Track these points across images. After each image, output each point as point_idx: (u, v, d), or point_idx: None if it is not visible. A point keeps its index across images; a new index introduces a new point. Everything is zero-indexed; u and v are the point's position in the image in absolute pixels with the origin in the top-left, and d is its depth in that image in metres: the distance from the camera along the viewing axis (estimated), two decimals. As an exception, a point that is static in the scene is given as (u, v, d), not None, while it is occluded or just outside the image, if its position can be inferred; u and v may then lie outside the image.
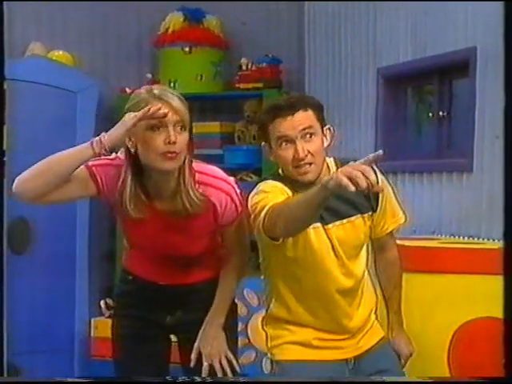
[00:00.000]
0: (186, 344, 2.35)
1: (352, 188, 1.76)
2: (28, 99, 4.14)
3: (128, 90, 4.60)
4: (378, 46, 3.93)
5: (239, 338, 3.84)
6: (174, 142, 2.10)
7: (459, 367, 2.80)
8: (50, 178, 2.15)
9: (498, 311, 2.63)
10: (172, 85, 4.57)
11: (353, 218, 2.25)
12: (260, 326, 3.92)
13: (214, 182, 2.24)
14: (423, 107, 3.95)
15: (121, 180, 2.17)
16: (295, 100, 2.21)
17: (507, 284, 1.75)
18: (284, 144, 2.17)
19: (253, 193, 2.20)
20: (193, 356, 2.32)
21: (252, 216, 2.14)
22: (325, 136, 2.24)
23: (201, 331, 2.33)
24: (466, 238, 3.25)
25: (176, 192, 2.18)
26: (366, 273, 2.34)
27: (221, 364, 2.34)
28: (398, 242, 3.03)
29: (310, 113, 2.18)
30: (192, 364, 2.32)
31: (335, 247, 2.22)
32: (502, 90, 3.01)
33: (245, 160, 4.44)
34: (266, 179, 2.26)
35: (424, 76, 3.76)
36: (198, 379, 2.27)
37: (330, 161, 2.28)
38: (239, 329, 3.83)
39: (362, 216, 2.26)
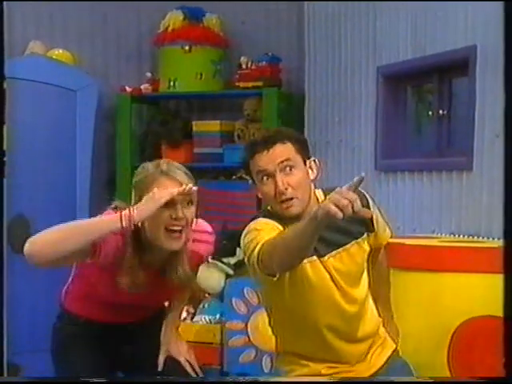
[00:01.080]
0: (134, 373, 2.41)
1: (340, 215, 1.76)
2: (28, 98, 4.14)
3: (128, 89, 4.61)
4: (377, 45, 3.93)
5: (239, 337, 3.87)
6: (181, 218, 2.14)
7: (459, 366, 2.80)
8: (70, 247, 2.10)
9: (497, 310, 2.64)
10: (172, 83, 4.57)
11: (348, 246, 2.21)
12: (260, 325, 3.94)
13: (201, 236, 2.33)
14: (423, 106, 3.95)
15: (120, 250, 2.18)
16: (273, 134, 2.20)
17: (507, 283, 1.74)
18: (265, 179, 2.14)
19: (244, 232, 2.14)
20: (161, 359, 2.38)
21: (246, 255, 2.10)
22: (310, 168, 2.22)
23: (162, 335, 2.40)
24: (465, 236, 3.25)
25: (170, 263, 2.24)
26: (367, 288, 2.30)
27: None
28: (398, 240, 3.04)
29: (288, 145, 2.16)
30: (160, 368, 2.37)
31: (334, 278, 2.18)
32: (502, 89, 3.01)
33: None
34: (256, 217, 2.19)
35: (424, 75, 3.76)
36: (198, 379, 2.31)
37: (319, 192, 2.25)
38: (239, 327, 3.87)
39: (356, 242, 2.23)
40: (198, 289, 4.11)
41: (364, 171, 4.30)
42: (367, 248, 2.27)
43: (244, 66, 4.56)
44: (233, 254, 4.28)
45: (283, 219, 2.15)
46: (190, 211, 2.17)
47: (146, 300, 2.32)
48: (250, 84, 4.51)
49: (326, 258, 2.18)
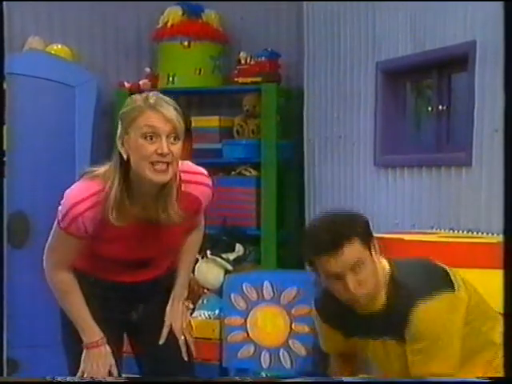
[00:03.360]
0: (142, 336, 2.42)
1: None
2: (26, 93, 4.14)
3: (127, 84, 4.60)
4: (377, 40, 3.92)
5: (238, 332, 3.88)
6: (167, 154, 2.10)
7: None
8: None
9: (496, 305, 2.64)
10: (171, 79, 4.57)
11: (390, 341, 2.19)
12: (259, 321, 3.94)
13: (194, 178, 2.29)
14: (422, 101, 3.94)
15: (105, 190, 2.16)
16: (338, 234, 2.07)
17: (507, 282, 1.74)
18: (333, 279, 2.09)
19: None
20: (164, 332, 2.38)
21: None
22: (374, 250, 2.15)
23: (168, 308, 2.39)
24: (464, 232, 3.25)
25: (159, 201, 2.18)
26: None
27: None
28: (397, 236, 3.04)
29: (356, 244, 2.08)
30: (162, 341, 2.38)
31: None
32: (502, 84, 3.01)
33: (244, 154, 4.44)
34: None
35: (423, 70, 3.76)
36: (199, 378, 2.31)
37: (383, 262, 2.20)
38: (238, 323, 3.87)
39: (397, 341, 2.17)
40: (197, 284, 4.12)
41: (363, 167, 4.32)
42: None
43: (243, 62, 4.55)
44: (232, 249, 4.28)
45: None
46: (177, 147, 2.13)
47: (148, 251, 2.27)
48: (249, 79, 4.50)
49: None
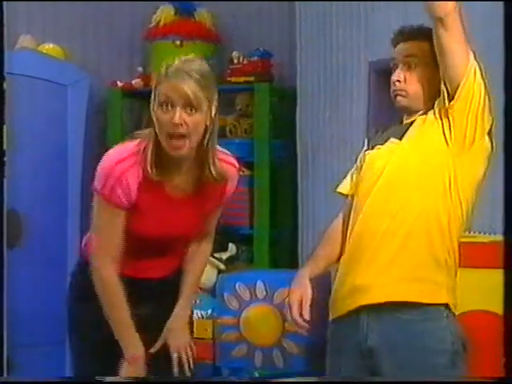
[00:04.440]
0: (143, 337, 2.32)
1: None
2: (18, 93, 4.12)
3: (119, 84, 4.59)
4: (369, 40, 3.93)
5: (231, 332, 3.87)
6: (179, 124, 2.07)
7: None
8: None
9: (490, 304, 2.65)
10: (163, 78, 4.57)
11: None
12: (252, 320, 3.94)
13: (225, 157, 2.28)
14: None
15: (143, 148, 2.14)
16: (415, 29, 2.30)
17: (507, 282, 1.74)
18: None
19: None
20: (158, 343, 2.31)
21: None
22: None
23: (169, 323, 2.33)
24: (469, 232, 3.25)
25: (191, 170, 2.17)
26: None
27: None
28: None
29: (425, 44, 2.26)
30: (153, 350, 2.30)
31: None
32: (495, 84, 3.02)
33: (236, 153, 4.40)
34: None
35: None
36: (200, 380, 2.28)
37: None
38: (231, 322, 3.87)
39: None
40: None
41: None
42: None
43: (236, 61, 4.56)
44: (225, 249, 4.28)
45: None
46: (194, 118, 2.08)
47: (172, 228, 2.23)
48: (242, 79, 4.50)
49: None
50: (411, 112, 2.26)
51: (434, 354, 2.15)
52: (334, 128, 4.18)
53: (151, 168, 2.13)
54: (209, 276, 4.12)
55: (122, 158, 2.16)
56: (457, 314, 2.64)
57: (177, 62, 2.14)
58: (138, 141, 2.20)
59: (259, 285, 3.83)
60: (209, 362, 3.93)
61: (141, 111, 4.83)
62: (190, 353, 2.34)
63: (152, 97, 2.16)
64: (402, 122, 2.30)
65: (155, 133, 2.15)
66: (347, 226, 2.29)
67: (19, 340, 3.91)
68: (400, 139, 2.24)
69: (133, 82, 4.63)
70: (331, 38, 4.20)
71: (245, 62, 4.53)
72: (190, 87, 2.08)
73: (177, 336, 2.32)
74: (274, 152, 4.44)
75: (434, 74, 2.20)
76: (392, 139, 2.27)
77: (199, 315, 4.04)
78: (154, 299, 2.34)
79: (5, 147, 2.41)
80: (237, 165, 2.32)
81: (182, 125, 2.08)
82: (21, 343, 3.92)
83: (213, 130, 2.17)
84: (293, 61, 4.51)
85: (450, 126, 2.17)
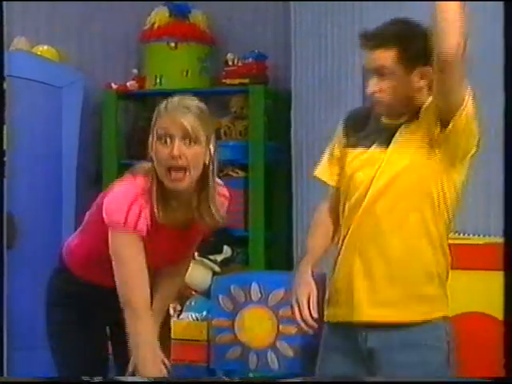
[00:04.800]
0: (120, 337, 2.28)
1: None
2: (12, 95, 4.11)
3: (114, 86, 4.59)
4: (364, 42, 3.93)
5: (226, 334, 3.87)
6: (179, 157, 2.08)
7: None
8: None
9: (487, 307, 2.66)
10: (158, 80, 4.56)
11: None
12: (246, 322, 3.94)
13: (219, 188, 2.28)
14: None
15: (149, 187, 2.15)
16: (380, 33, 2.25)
17: (507, 283, 1.74)
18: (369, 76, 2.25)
19: None
20: (130, 369, 2.24)
21: None
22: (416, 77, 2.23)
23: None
24: (452, 233, 3.26)
25: (201, 202, 2.17)
26: None
27: None
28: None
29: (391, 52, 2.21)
30: (128, 374, 2.24)
31: None
32: (491, 86, 3.02)
33: (231, 156, 4.43)
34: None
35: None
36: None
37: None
38: (226, 324, 3.87)
39: None
40: (185, 286, 4.11)
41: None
42: None
43: (230, 63, 4.56)
44: (220, 251, 4.28)
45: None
46: (193, 150, 2.09)
47: (163, 259, 2.24)
48: (237, 81, 4.50)
49: None
50: (392, 114, 2.24)
51: (430, 351, 2.17)
52: (330, 130, 4.17)
53: (158, 211, 2.13)
54: (204, 278, 4.12)
55: (137, 194, 2.15)
56: (452, 315, 2.66)
57: (176, 98, 2.19)
58: (141, 178, 2.18)
59: (254, 287, 3.83)
60: (203, 364, 3.93)
61: (135, 113, 4.83)
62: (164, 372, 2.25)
63: (150, 134, 2.17)
64: (378, 119, 2.27)
65: (155, 171, 2.14)
66: (337, 214, 2.31)
67: (17, 343, 3.91)
68: (386, 146, 2.21)
69: (128, 83, 4.62)
70: (326, 41, 4.20)
71: (239, 63, 4.53)
72: (188, 120, 2.11)
73: (145, 364, 2.22)
74: (269, 154, 4.44)
75: (407, 77, 2.17)
76: (377, 146, 2.23)
77: (194, 317, 4.04)
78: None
79: (5, 147, 2.40)
80: (228, 196, 2.33)
81: (180, 157, 2.09)
82: (19, 346, 3.92)
83: (213, 167, 2.18)
84: (288, 63, 4.51)
85: (440, 147, 2.16)
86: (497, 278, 1.95)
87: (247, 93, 4.43)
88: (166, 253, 2.24)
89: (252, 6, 4.68)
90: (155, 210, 2.12)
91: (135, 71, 4.68)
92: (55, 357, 2.37)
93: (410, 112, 2.20)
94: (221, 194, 2.29)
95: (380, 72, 2.17)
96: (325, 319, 2.33)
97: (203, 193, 2.17)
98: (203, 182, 2.16)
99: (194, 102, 2.17)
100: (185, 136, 2.10)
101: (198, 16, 4.61)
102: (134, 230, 2.10)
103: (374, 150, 2.23)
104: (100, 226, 2.18)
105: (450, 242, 3.04)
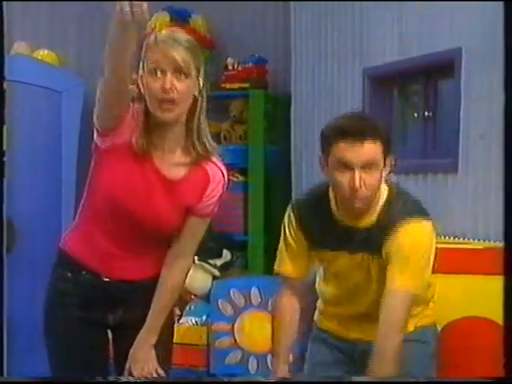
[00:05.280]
0: (122, 341, 2.28)
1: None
2: (12, 99, 4.11)
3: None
4: (364, 47, 3.94)
5: (225, 338, 3.87)
6: (171, 89, 2.10)
7: (445, 366, 2.82)
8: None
9: (487, 311, 2.65)
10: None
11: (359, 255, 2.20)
12: (246, 327, 3.93)
13: (217, 161, 2.28)
14: (409, 107, 3.96)
15: (135, 119, 2.17)
16: (365, 128, 2.10)
17: (507, 288, 1.75)
18: (343, 169, 2.11)
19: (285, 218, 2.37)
20: (126, 373, 2.24)
21: None
22: (386, 167, 2.16)
23: (132, 351, 2.25)
24: (451, 238, 3.26)
25: (179, 144, 2.19)
26: None
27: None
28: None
29: (377, 145, 2.10)
30: (125, 375, 2.25)
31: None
32: (487, 91, 3.03)
33: (231, 160, 4.40)
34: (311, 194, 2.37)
35: (410, 76, 3.78)
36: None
37: (384, 189, 2.21)
38: (226, 329, 3.87)
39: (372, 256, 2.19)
40: (184, 290, 4.11)
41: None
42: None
43: (230, 68, 4.56)
44: (219, 255, 4.28)
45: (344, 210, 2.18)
46: (184, 84, 2.12)
47: (152, 216, 2.20)
48: (237, 85, 4.51)
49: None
50: (355, 213, 2.18)
51: (419, 346, 2.26)
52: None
53: (140, 137, 2.16)
54: (203, 282, 4.12)
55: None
56: (451, 320, 2.66)
57: (165, 31, 2.21)
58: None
59: (254, 291, 3.83)
60: (203, 368, 3.92)
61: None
62: (155, 375, 2.26)
63: (140, 66, 2.20)
64: (336, 220, 2.23)
65: (144, 102, 2.18)
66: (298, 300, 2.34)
67: (16, 346, 3.91)
68: (357, 251, 2.20)
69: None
70: (326, 45, 4.21)
71: (239, 68, 4.54)
72: (179, 54, 2.13)
73: (139, 367, 2.24)
74: (269, 158, 4.44)
75: (383, 170, 2.15)
76: (347, 251, 2.21)
77: (193, 322, 4.03)
78: (123, 303, 2.29)
79: (4, 147, 2.40)
80: (225, 173, 2.30)
81: (172, 90, 2.12)
82: (19, 349, 3.92)
83: (201, 102, 2.22)
84: (287, 67, 4.52)
85: None
86: (496, 283, 1.94)
87: (247, 97, 4.43)
88: (150, 202, 2.20)
89: (252, 10, 4.69)
90: (138, 137, 2.16)
91: (135, 76, 4.68)
92: (51, 357, 2.36)
93: (371, 210, 2.17)
94: (217, 165, 2.29)
95: (368, 165, 2.09)
96: (317, 324, 2.36)
97: (193, 122, 2.21)
98: (193, 113, 2.21)
99: (183, 36, 2.20)
100: (176, 69, 2.13)
101: (198, 21, 4.62)
102: None
103: (346, 255, 2.22)
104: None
105: (450, 246, 3.05)
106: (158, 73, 2.12)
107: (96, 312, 2.30)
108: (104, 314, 2.31)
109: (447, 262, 2.84)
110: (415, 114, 3.78)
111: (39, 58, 4.42)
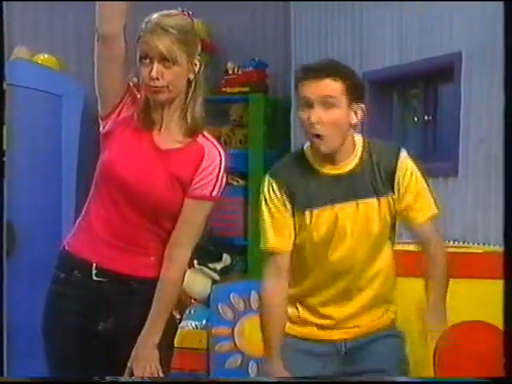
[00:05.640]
0: (114, 348, 2.24)
1: None
2: (12, 103, 4.11)
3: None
4: (363, 51, 3.95)
5: (225, 342, 3.87)
6: (157, 78, 2.14)
7: (444, 368, 2.82)
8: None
9: (487, 315, 2.65)
10: (158, 89, 4.57)
11: (367, 200, 2.20)
12: (246, 331, 3.93)
13: (215, 141, 2.32)
14: (409, 111, 3.97)
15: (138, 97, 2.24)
16: (326, 67, 2.15)
17: (507, 292, 1.75)
18: (304, 107, 2.16)
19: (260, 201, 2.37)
20: (126, 372, 2.21)
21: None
22: (354, 113, 2.17)
23: (134, 350, 2.21)
24: (451, 242, 3.26)
25: (175, 122, 2.22)
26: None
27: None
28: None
29: (338, 83, 2.13)
30: (126, 374, 2.21)
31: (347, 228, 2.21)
32: (486, 95, 3.04)
33: (231, 164, 4.42)
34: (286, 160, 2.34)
35: (410, 80, 3.78)
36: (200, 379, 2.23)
37: (358, 137, 2.24)
38: (226, 333, 3.87)
39: (378, 199, 2.20)
40: (184, 294, 4.11)
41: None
42: (387, 212, 2.23)
43: (230, 72, 4.57)
44: (219, 259, 4.28)
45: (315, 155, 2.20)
46: (172, 71, 2.14)
47: (147, 192, 2.20)
48: (237, 89, 4.51)
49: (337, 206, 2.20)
50: (332, 159, 2.19)
51: (399, 340, 2.29)
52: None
53: (140, 113, 2.22)
54: (203, 286, 4.12)
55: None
56: (451, 324, 2.66)
57: (155, 16, 2.22)
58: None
59: (254, 295, 3.82)
60: (203, 372, 3.92)
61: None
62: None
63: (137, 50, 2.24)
64: (317, 170, 2.23)
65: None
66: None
67: (16, 351, 3.90)
68: (347, 200, 2.20)
69: (127, 92, 4.63)
70: (326, 49, 4.21)
71: (239, 72, 4.54)
72: (164, 44, 2.14)
73: (141, 366, 2.20)
74: (269, 162, 4.43)
75: (347, 110, 2.15)
76: (340, 202, 2.21)
77: (193, 326, 4.03)
78: (116, 309, 2.25)
79: (4, 147, 2.40)
80: (222, 153, 2.33)
81: (158, 79, 2.15)
82: (19, 354, 3.92)
83: (198, 83, 2.22)
84: (287, 71, 4.52)
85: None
86: (496, 287, 1.95)
87: (247, 101, 4.44)
88: (148, 176, 2.21)
89: (252, 14, 4.69)
90: (138, 112, 2.22)
91: (135, 80, 4.68)
92: (49, 358, 2.35)
93: (344, 153, 2.19)
94: (213, 143, 2.32)
95: (326, 102, 2.12)
96: (292, 333, 2.36)
97: (189, 103, 2.23)
98: (189, 95, 2.22)
99: (172, 22, 2.18)
100: (162, 58, 2.15)
101: (198, 25, 4.61)
102: None
103: (339, 206, 2.21)
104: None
105: (450, 250, 3.05)
106: (147, 61, 2.16)
107: (89, 315, 2.27)
108: (97, 317, 2.27)
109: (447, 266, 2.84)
110: (415, 118, 3.78)
111: (39, 62, 4.43)
